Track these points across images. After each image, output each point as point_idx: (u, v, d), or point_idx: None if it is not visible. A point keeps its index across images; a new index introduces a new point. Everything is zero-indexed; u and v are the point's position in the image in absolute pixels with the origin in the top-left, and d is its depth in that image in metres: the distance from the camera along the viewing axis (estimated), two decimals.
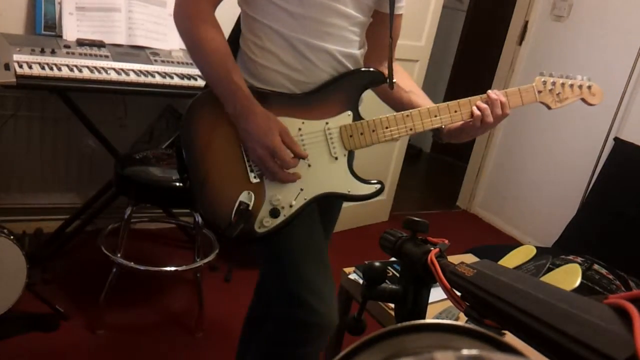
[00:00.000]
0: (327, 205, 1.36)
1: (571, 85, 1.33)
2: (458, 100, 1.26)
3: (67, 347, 2.01)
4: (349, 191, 1.25)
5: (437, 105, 1.26)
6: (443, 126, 1.28)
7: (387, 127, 1.23)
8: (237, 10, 1.25)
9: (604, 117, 3.15)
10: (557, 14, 3.48)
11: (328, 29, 1.16)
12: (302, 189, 1.20)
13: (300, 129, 1.19)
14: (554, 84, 1.31)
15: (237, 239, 1.17)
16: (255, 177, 1.18)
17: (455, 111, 1.25)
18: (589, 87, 1.34)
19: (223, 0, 1.18)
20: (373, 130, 1.23)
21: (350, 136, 1.22)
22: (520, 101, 1.30)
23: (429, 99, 1.35)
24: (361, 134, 1.22)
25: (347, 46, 1.21)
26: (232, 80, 1.13)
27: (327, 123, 1.21)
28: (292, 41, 1.16)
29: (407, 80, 1.36)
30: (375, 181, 1.27)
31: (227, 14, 1.29)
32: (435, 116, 1.25)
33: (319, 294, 1.23)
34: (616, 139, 3.04)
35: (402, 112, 1.24)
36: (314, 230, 1.29)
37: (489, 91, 1.27)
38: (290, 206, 1.19)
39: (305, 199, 1.21)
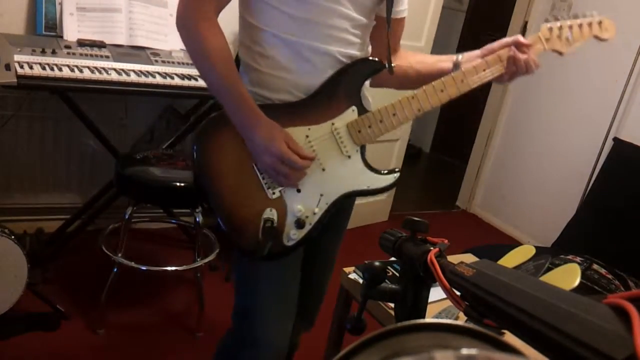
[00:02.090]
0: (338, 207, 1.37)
1: (580, 25, 1.25)
2: (463, 70, 1.22)
3: (67, 346, 2.01)
4: (368, 186, 1.24)
5: (442, 78, 1.21)
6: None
7: (394, 114, 1.20)
8: (236, 14, 1.24)
9: (604, 117, 3.16)
10: (556, 14, 3.47)
11: (330, 31, 1.16)
12: (322, 195, 1.20)
13: (307, 136, 1.19)
14: (560, 28, 1.25)
15: (269, 256, 1.18)
16: (273, 193, 1.17)
17: (462, 81, 1.22)
18: (600, 23, 1.27)
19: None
20: (380, 121, 1.20)
21: (359, 131, 1.20)
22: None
23: (439, 58, 1.34)
24: (369, 126, 1.20)
25: (347, 47, 1.21)
26: (238, 92, 1.13)
27: (333, 124, 1.20)
28: (295, 46, 1.16)
29: (415, 56, 1.36)
30: (391, 170, 1.26)
31: (226, 17, 1.29)
32: (442, 91, 1.20)
33: (269, 322, 1.28)
34: (615, 139, 3.04)
35: (407, 95, 1.20)
36: (291, 275, 1.30)
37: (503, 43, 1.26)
38: (314, 213, 1.20)
39: (327, 203, 1.21)
